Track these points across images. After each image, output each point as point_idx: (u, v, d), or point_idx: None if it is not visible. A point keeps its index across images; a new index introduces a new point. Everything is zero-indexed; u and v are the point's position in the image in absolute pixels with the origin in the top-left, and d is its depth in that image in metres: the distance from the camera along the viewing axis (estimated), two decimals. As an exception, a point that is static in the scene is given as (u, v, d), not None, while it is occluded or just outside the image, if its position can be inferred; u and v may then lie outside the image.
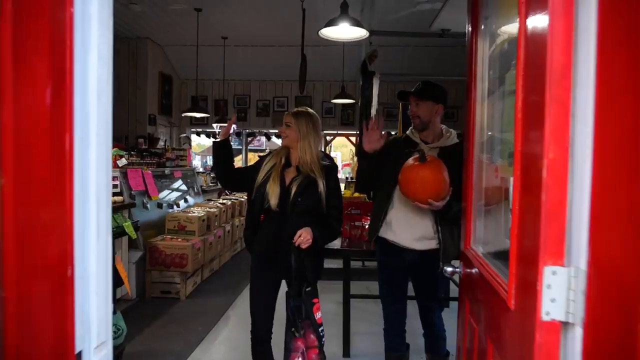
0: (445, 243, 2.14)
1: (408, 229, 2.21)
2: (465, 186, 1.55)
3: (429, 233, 2.19)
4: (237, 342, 3.21)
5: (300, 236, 2.01)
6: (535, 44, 0.84)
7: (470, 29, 1.56)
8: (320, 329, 2.07)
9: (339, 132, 9.09)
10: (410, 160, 2.06)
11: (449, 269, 1.60)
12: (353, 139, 8.99)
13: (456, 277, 1.67)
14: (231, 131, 2.32)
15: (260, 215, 2.23)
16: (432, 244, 2.19)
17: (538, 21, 0.82)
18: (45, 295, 0.67)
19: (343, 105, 7.77)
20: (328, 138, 9.39)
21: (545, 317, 0.77)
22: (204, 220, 4.54)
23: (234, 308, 3.99)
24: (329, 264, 3.95)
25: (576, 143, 0.75)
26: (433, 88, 2.27)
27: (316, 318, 2.06)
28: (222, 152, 2.27)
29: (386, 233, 2.27)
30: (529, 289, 0.82)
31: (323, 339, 2.09)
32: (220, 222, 5.18)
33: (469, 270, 1.49)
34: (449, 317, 2.41)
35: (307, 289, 2.07)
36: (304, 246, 2.01)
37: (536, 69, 0.82)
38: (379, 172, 2.26)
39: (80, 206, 0.76)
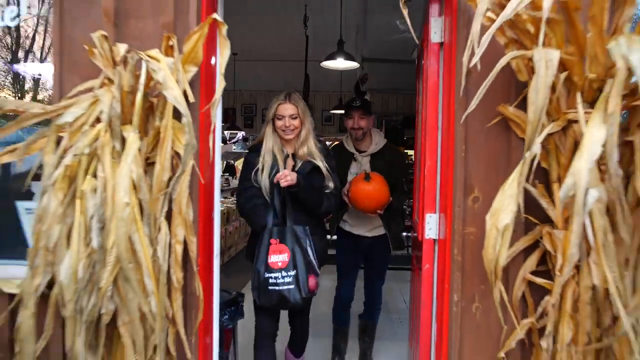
0: (390, 227, 2.71)
1: (362, 224, 2.70)
2: (414, 178, 2.44)
3: (378, 223, 2.69)
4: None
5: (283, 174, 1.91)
6: (425, 106, 1.74)
7: (417, 72, 2.46)
8: (271, 274, 1.92)
9: (337, 137, 10.01)
10: (358, 181, 2.42)
11: (404, 234, 2.51)
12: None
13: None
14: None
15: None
16: (381, 231, 2.71)
17: (423, 100, 1.73)
18: (208, 222, 1.57)
19: (341, 115, 8.67)
20: (327, 143, 10.27)
21: (427, 237, 1.67)
22: (224, 213, 5.42)
23: (251, 284, 4.86)
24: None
25: (440, 157, 1.64)
26: (370, 103, 2.62)
27: (268, 260, 1.93)
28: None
29: (344, 226, 2.74)
30: (422, 226, 1.71)
31: (281, 286, 1.91)
32: (237, 215, 6.03)
33: (414, 234, 2.38)
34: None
35: (272, 227, 1.95)
36: (283, 183, 1.90)
37: (424, 116, 1.72)
38: None
39: (217, 188, 1.66)
